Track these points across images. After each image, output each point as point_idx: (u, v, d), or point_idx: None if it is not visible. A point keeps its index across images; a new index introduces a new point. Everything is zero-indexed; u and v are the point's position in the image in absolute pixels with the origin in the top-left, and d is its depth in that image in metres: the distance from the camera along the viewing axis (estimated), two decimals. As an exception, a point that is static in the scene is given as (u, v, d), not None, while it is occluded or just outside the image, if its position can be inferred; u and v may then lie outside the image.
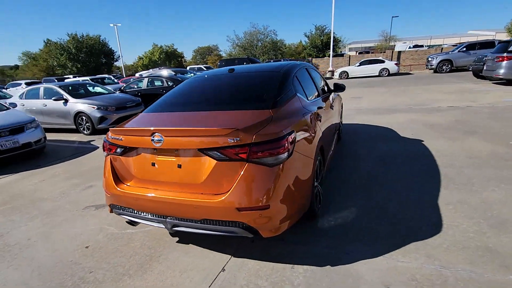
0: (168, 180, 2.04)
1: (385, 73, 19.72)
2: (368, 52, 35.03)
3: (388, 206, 2.83)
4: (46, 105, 7.97)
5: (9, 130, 5.31)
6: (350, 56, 27.86)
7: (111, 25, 31.40)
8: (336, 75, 21.34)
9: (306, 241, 2.39)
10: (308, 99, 2.88)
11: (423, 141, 4.76)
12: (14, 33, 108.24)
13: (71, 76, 27.67)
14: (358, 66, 20.79)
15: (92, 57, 35.58)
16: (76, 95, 8.06)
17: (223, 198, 1.85)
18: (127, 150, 2.15)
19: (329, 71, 24.53)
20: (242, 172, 1.85)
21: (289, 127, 2.07)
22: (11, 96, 10.75)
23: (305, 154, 2.22)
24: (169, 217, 2.03)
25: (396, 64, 20.07)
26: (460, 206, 2.72)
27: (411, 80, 15.21)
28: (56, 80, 20.79)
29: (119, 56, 34.76)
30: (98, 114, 7.33)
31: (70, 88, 8.30)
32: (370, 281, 1.91)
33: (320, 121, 2.90)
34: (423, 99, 8.86)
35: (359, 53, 34.16)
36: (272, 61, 23.03)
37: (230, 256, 2.27)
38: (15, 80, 26.90)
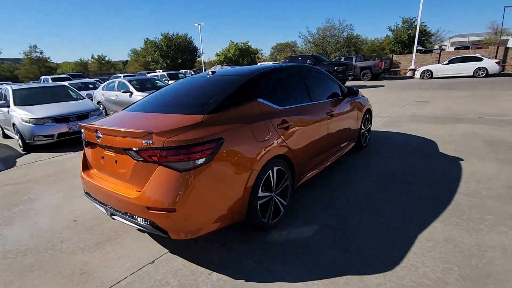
0: (110, 172, 2.28)
1: (482, 74, 16.56)
2: (468, 48, 29.71)
3: (358, 230, 2.51)
4: (117, 97, 9.39)
5: (77, 116, 6.50)
6: (440, 52, 24.16)
7: (196, 24, 34.54)
8: (418, 74, 18.88)
9: (244, 251, 2.34)
10: (280, 106, 2.74)
11: (462, 160, 3.95)
12: (126, 32, 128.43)
13: (160, 70, 31.63)
14: (446, 64, 17.97)
15: (179, 54, 39.88)
16: (141, 89, 9.26)
17: (138, 195, 1.99)
18: (88, 143, 2.47)
19: (410, 69, 21.87)
20: (153, 174, 1.95)
21: (217, 133, 2.06)
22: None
23: (239, 163, 2.16)
24: (108, 206, 2.28)
25: (497, 63, 16.60)
26: (443, 245, 2.23)
27: (511, 83, 12.44)
28: (146, 74, 24.15)
29: (201, 53, 38.12)
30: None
31: (135, 82, 9.55)
32: (270, 306, 1.79)
33: (294, 129, 2.74)
34: (506, 108, 7.22)
35: (456, 49, 29.26)
36: (338, 59, 21.72)
37: (167, 251, 2.40)
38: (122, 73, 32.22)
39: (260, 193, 2.39)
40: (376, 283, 1.90)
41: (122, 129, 2.05)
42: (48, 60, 43.80)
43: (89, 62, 56.35)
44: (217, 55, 44.36)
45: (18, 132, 6.24)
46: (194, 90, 2.85)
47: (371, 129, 5.40)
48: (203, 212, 2.03)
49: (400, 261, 2.08)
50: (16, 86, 7.54)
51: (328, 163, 3.54)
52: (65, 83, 9.24)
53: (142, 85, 9.62)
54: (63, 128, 6.23)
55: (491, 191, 3.03)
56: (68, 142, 6.55)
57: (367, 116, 4.72)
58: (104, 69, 53.41)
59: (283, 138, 2.59)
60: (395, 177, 3.51)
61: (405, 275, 1.95)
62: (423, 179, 3.42)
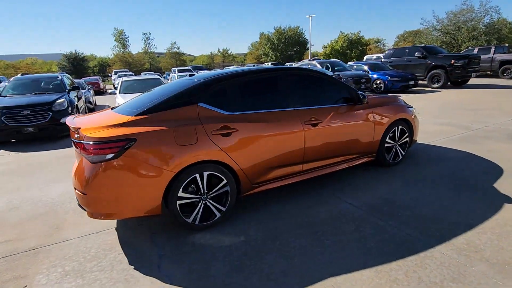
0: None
1: None
2: None
3: (272, 255, 2.31)
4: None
5: None
6: None
7: (307, 16, 34.30)
8: None
9: (162, 244, 2.51)
10: (228, 112, 2.71)
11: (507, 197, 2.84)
12: (248, 26, 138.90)
13: (269, 63, 33.37)
14: None
15: (288, 47, 40.77)
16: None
17: (72, 178, 2.47)
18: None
19: None
20: (79, 162, 2.37)
21: (131, 134, 2.30)
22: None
23: (152, 163, 2.34)
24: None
25: None
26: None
27: None
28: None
29: (310, 45, 37.70)
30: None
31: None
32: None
33: (241, 136, 2.69)
34: None
35: None
36: (470, 49, 17.32)
37: (114, 227, 2.84)
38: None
39: (181, 194, 2.50)
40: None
41: (71, 125, 2.56)
42: (184, 54, 52.86)
43: (216, 55, 64.55)
44: (324, 47, 42.94)
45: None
46: (157, 92, 3.12)
47: (435, 144, 4.41)
48: (112, 200, 2.34)
49: (273, 299, 1.85)
50: (125, 78, 9.64)
51: (311, 175, 3.22)
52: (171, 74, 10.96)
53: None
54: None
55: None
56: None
57: (400, 127, 3.90)
58: (226, 61, 60.25)
59: (218, 144, 2.58)
60: (381, 211, 2.88)
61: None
62: (421, 217, 2.69)
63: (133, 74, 26.09)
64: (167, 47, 51.57)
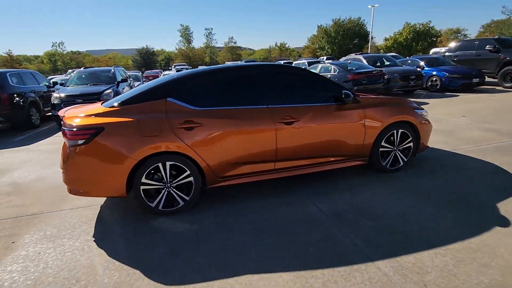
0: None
1: None
2: None
3: (210, 247, 2.41)
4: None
5: None
6: None
7: (369, 6, 32.01)
8: None
9: (123, 224, 2.80)
10: (196, 107, 2.85)
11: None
12: (304, 20, 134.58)
13: (324, 57, 32.21)
14: None
15: (346, 40, 38.67)
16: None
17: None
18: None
19: None
20: (63, 145, 2.78)
21: (100, 123, 2.61)
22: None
23: (117, 150, 2.62)
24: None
25: None
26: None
27: None
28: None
29: (370, 37, 35.13)
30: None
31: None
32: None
33: (205, 131, 2.82)
34: None
35: None
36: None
37: (100, 204, 3.24)
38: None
39: (144, 180, 2.75)
40: None
41: (60, 114, 2.99)
42: (240, 48, 54.37)
43: (274, 49, 64.79)
44: (386, 39, 39.44)
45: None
46: (141, 87, 3.38)
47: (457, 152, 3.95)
48: (84, 180, 2.70)
49: None
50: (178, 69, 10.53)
51: (288, 174, 3.20)
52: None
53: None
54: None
55: None
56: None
57: (401, 131, 3.56)
58: (283, 56, 60.03)
59: (180, 137, 2.75)
60: (345, 218, 2.72)
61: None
62: (395, 231, 2.49)
63: (190, 67, 27.85)
64: (224, 42, 53.79)
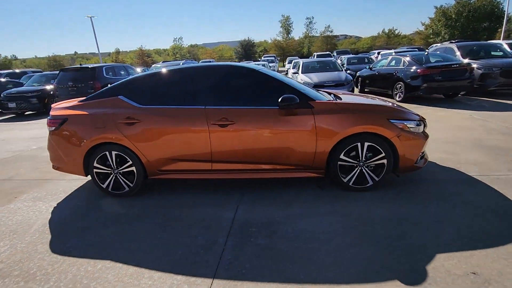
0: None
1: None
2: None
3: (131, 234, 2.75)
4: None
5: (335, 84, 8.72)
6: None
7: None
8: None
9: (87, 197, 3.45)
10: (141, 105, 3.16)
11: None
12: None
13: (438, 44, 27.14)
14: None
15: (472, 23, 31.19)
16: (306, 71, 10.01)
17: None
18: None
19: None
20: (51, 130, 3.57)
21: (65, 114, 3.25)
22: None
23: (75, 137, 3.21)
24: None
25: None
26: None
27: None
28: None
29: (505, 20, 27.26)
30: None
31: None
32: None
33: (143, 127, 3.13)
34: None
35: None
36: None
37: (87, 181, 4.00)
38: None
39: (96, 165, 3.29)
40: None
41: (53, 106, 3.78)
42: (336, 37, 51.18)
43: (381, 36, 58.54)
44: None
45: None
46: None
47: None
48: (57, 158, 3.42)
49: None
50: (305, 60, 11.56)
51: (228, 176, 3.22)
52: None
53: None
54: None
55: None
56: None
57: (368, 144, 3.00)
58: (391, 43, 53.52)
59: (121, 130, 3.13)
60: (245, 230, 2.58)
61: None
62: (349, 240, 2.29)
63: (278, 59, 28.25)
64: (320, 31, 51.64)
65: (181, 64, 12.47)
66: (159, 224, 2.78)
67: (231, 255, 2.25)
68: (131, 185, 3.32)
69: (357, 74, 11.59)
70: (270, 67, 20.06)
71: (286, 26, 58.70)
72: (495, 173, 3.43)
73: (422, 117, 3.32)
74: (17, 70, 17.63)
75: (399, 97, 8.81)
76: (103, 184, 3.36)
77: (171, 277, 2.05)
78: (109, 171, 3.33)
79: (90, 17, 33.57)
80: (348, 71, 12.29)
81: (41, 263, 2.27)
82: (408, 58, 8.90)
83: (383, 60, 10.29)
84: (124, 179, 3.32)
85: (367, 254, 2.17)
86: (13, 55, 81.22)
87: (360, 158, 3.07)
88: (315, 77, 9.12)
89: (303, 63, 10.67)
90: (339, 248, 2.25)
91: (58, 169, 3.51)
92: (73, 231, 2.74)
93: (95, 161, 3.28)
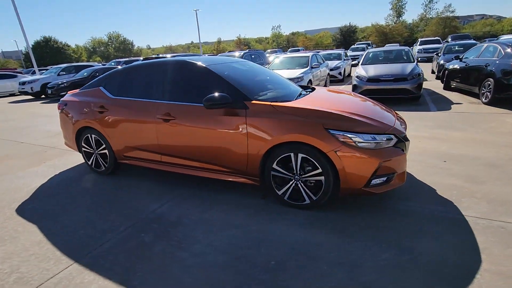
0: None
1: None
2: None
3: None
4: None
5: (393, 79, 7.32)
6: None
7: None
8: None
9: (80, 172, 4.13)
10: (114, 96, 3.53)
11: None
12: None
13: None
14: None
15: None
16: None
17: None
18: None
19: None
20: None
21: (65, 100, 3.93)
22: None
23: (70, 119, 3.85)
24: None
25: None
26: None
27: None
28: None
29: None
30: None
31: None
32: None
33: (109, 116, 3.51)
34: None
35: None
36: None
37: (99, 155, 4.75)
38: None
39: (83, 145, 3.89)
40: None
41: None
42: (458, 18, 41.50)
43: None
44: None
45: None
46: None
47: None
48: (64, 136, 4.18)
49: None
50: (370, 50, 9.88)
51: (176, 170, 3.29)
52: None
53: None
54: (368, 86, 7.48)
55: None
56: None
57: (302, 156, 2.56)
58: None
59: (95, 117, 3.59)
60: (146, 227, 2.62)
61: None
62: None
63: (375, 46, 25.19)
64: (437, 11, 42.67)
65: (240, 54, 12.51)
66: (96, 202, 3.13)
67: (110, 245, 2.38)
68: (106, 165, 3.80)
69: (444, 66, 9.48)
70: (352, 58, 17.96)
71: (398, 8, 51.74)
72: (499, 219, 2.39)
73: (394, 129, 2.59)
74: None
75: (485, 98, 6.82)
76: (88, 161, 3.96)
77: (53, 250, 2.33)
78: (91, 151, 3.88)
79: (195, 11, 37.71)
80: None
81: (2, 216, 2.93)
82: (507, 48, 6.71)
83: (477, 48, 8.05)
84: (102, 160, 3.82)
85: (221, 279, 1.94)
86: (148, 45, 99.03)
87: (295, 171, 2.65)
88: (372, 70, 7.91)
89: (366, 53, 9.38)
90: (200, 265, 2.08)
91: (66, 144, 4.30)
92: (46, 195, 3.38)
93: (82, 141, 3.88)
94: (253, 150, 2.74)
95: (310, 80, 8.96)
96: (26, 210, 3.05)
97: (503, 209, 2.54)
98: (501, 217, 2.42)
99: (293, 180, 2.69)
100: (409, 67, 7.71)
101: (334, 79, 12.89)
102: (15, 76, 17.09)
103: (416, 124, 5.41)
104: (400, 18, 50.89)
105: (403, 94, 7.37)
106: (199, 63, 3.12)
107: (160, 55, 12.75)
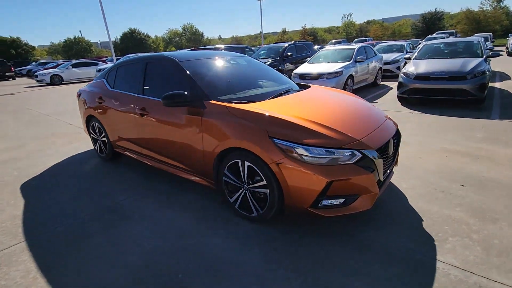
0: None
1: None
2: None
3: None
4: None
5: (448, 76, 6.14)
6: None
7: None
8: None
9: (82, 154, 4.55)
10: (111, 88, 3.74)
11: None
12: None
13: None
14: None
15: None
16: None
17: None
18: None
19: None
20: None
21: (80, 89, 4.33)
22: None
23: (84, 107, 4.24)
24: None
25: None
26: None
27: None
28: None
29: None
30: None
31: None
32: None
33: (104, 107, 3.76)
34: None
35: None
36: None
37: (117, 141, 5.17)
38: None
39: (90, 131, 4.26)
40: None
41: None
42: None
43: None
44: None
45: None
46: None
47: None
48: (82, 122, 4.64)
49: (19, 188, 3.44)
50: (430, 42, 8.18)
51: (151, 164, 3.38)
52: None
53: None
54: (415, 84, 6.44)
55: None
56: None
57: (248, 165, 2.34)
58: None
59: (95, 107, 3.89)
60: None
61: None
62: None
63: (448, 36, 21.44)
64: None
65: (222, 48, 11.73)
66: (81, 185, 3.41)
67: (62, 229, 2.55)
68: (106, 151, 4.10)
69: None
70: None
71: (499, -10, 43.12)
72: (482, 274, 1.79)
73: (360, 143, 2.16)
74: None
75: None
76: (95, 147, 4.33)
77: (19, 225, 2.61)
78: (96, 138, 4.23)
79: (259, 1, 37.65)
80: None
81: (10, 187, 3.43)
82: None
83: None
84: (103, 146, 4.13)
85: (119, 284, 1.91)
86: (219, 36, 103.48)
87: (243, 180, 2.43)
88: (423, 66, 6.75)
89: (423, 45, 8.02)
90: (117, 264, 2.08)
91: (84, 130, 4.78)
92: (51, 174, 3.82)
93: (90, 128, 4.26)
94: (207, 152, 2.61)
95: (351, 75, 8.21)
96: (29, 186, 3.50)
97: (498, 261, 1.92)
98: (487, 273, 1.83)
99: (242, 189, 2.48)
100: (472, 63, 6.38)
101: (391, 74, 11.52)
102: (96, 64, 19.75)
103: (460, 134, 4.48)
104: (501, 3, 42.40)
105: (459, 96, 6.16)
106: (173, 59, 3.06)
107: (208, 47, 13.15)
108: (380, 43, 15.89)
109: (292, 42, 11.60)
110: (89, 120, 4.21)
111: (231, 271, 1.97)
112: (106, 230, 2.52)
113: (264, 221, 2.44)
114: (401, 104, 6.91)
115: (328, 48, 10.13)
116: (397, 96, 7.11)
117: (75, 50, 51.87)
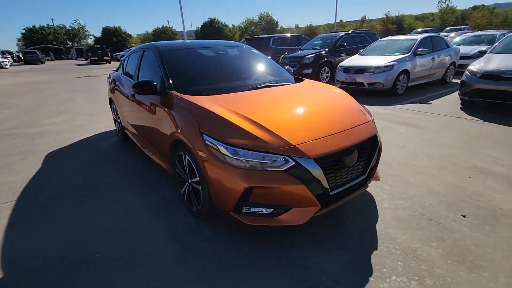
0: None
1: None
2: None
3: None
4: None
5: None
6: None
7: None
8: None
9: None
10: (121, 75, 4.08)
11: None
12: None
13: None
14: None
15: None
16: None
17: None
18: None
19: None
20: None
21: (110, 74, 4.81)
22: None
23: (108, 91, 4.75)
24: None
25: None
26: (23, 170, 3.65)
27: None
28: None
29: None
30: None
31: None
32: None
33: (116, 91, 4.12)
34: None
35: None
36: None
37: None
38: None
39: (112, 111, 4.73)
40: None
41: None
42: None
43: None
44: None
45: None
46: None
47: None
48: (113, 103, 5.18)
49: (45, 156, 4.07)
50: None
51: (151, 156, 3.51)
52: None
53: None
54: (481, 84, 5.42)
55: None
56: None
57: (188, 159, 2.29)
58: None
59: (112, 91, 4.29)
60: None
61: (40, 154, 4.14)
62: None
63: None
64: None
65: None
66: (87, 161, 3.82)
67: (47, 195, 2.94)
68: (119, 134, 4.52)
69: None
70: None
71: None
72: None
73: (294, 149, 1.89)
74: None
75: None
76: (115, 126, 4.80)
77: (21, 186, 3.11)
78: (115, 118, 4.67)
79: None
80: None
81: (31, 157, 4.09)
82: None
83: None
84: (119, 126, 4.55)
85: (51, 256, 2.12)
86: (296, 25, 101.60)
87: (186, 173, 2.39)
88: (495, 62, 5.41)
89: (506, 36, 6.38)
90: (62, 235, 2.30)
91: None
92: (75, 147, 4.40)
93: (112, 109, 4.73)
94: (165, 142, 2.64)
95: (405, 70, 7.14)
96: (52, 156, 4.10)
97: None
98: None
99: (187, 183, 2.44)
100: None
101: (470, 71, 9.61)
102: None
103: (499, 149, 3.55)
104: None
105: (539, 102, 4.84)
106: (157, 48, 3.13)
107: (260, 36, 13.04)
108: (468, 33, 13.42)
109: (350, 31, 10.64)
110: (111, 102, 4.68)
111: (144, 265, 1.99)
112: (80, 203, 2.80)
113: (206, 218, 2.36)
114: (461, 108, 5.76)
115: (384, 39, 8.98)
116: (459, 97, 5.95)
117: (162, 38, 57.75)
